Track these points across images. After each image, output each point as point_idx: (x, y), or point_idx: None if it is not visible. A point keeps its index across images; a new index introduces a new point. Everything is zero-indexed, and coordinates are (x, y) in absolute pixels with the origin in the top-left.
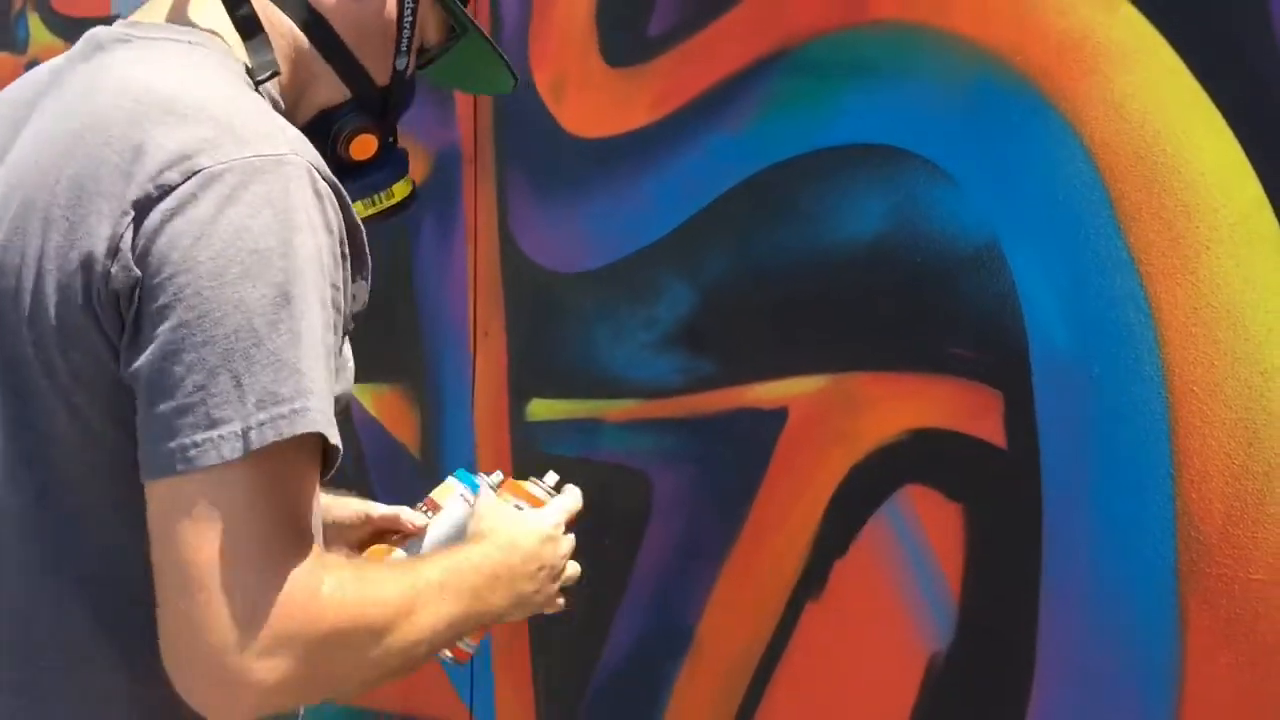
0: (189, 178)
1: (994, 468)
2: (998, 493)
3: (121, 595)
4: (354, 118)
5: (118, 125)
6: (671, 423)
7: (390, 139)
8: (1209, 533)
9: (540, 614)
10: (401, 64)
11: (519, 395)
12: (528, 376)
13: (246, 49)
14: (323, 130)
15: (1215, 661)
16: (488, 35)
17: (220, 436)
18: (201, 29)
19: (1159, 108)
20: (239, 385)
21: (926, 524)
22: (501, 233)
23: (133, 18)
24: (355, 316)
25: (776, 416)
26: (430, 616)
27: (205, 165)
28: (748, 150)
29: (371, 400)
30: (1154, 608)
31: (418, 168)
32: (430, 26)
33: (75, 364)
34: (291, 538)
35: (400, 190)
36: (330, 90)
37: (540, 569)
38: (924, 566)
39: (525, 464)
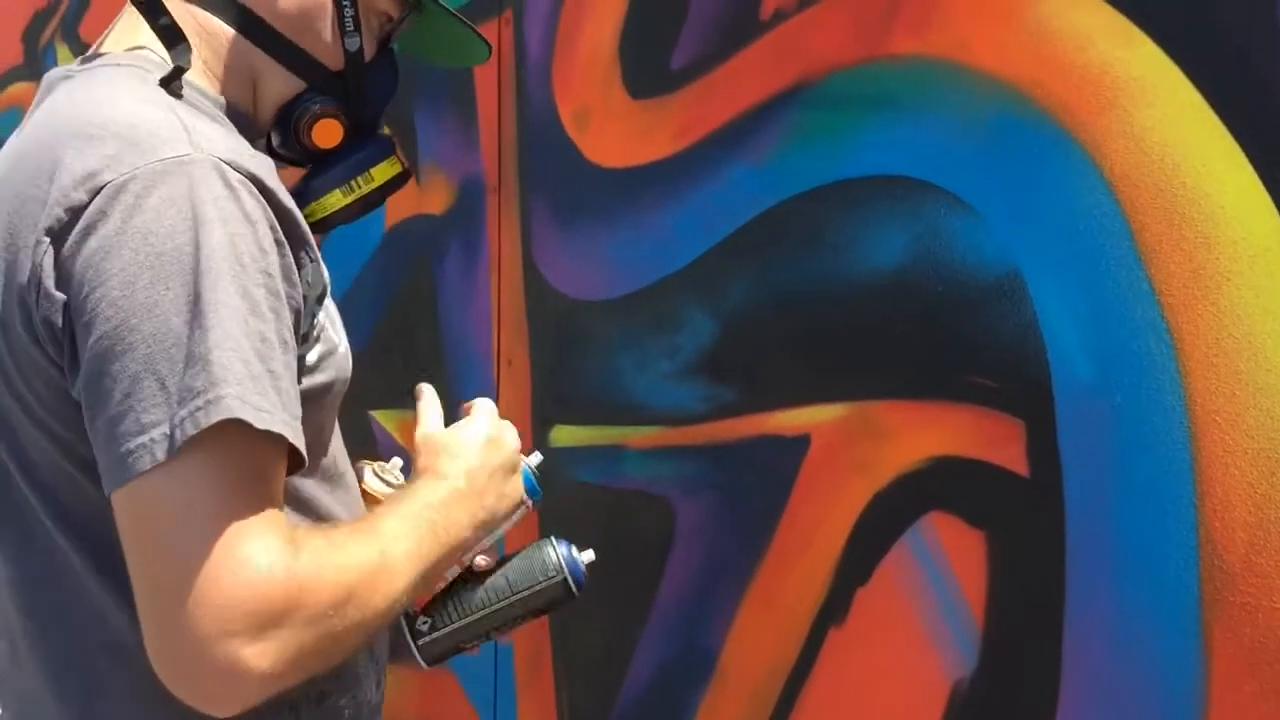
0: (94, 195)
1: (1016, 496)
2: (1020, 521)
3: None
4: (309, 105)
5: (36, 157)
6: (694, 450)
7: (364, 124)
8: (1232, 561)
9: (509, 522)
10: (353, 44)
11: (542, 422)
12: (551, 404)
13: (171, 56)
14: (284, 125)
15: (1240, 690)
16: (445, 5)
17: (151, 440)
18: (134, 49)
19: (1179, 141)
20: (164, 387)
21: (949, 552)
22: (525, 262)
23: (82, 56)
24: (320, 299)
25: (799, 444)
26: (404, 566)
27: (109, 179)
28: (770, 181)
29: (396, 426)
30: (1178, 637)
31: (440, 197)
32: (382, 2)
33: (43, 396)
34: (250, 522)
35: (381, 173)
36: (281, 83)
37: (491, 475)
38: (947, 594)
39: (549, 491)
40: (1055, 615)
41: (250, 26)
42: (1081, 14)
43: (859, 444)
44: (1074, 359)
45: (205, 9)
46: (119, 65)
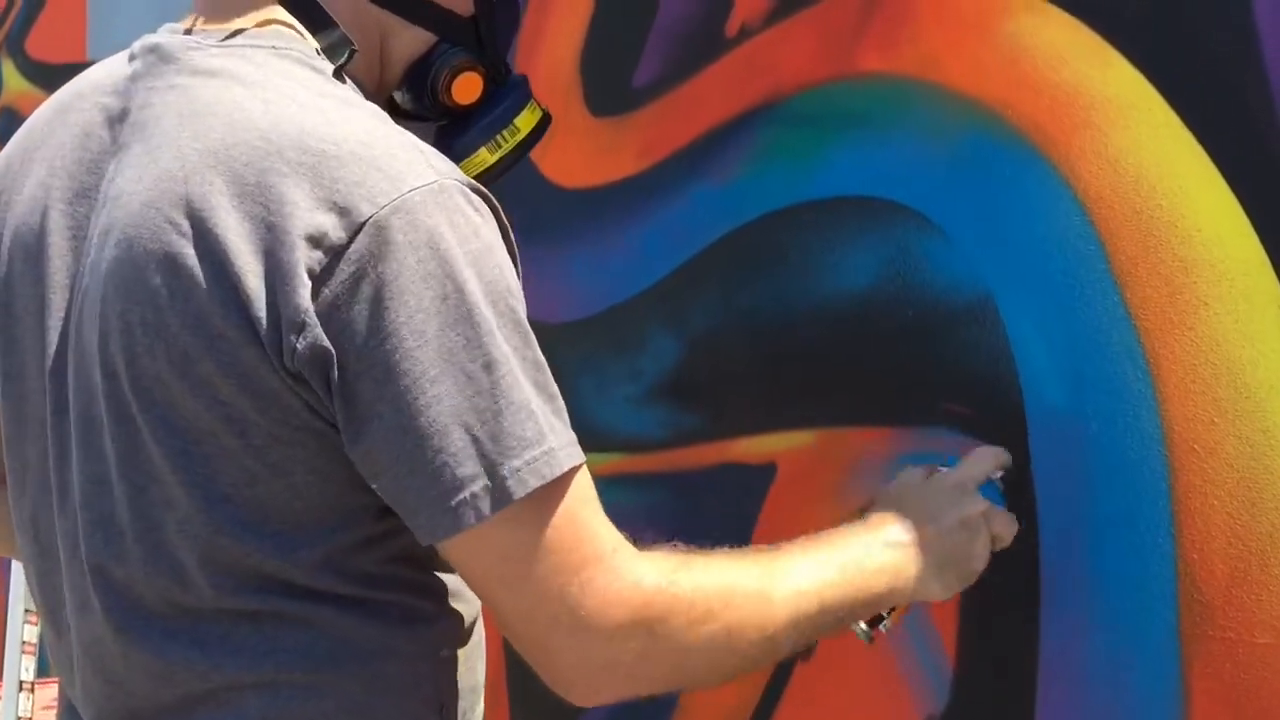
0: (355, 232)
1: None
2: (993, 552)
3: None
4: (447, 60)
5: (250, 170)
6: (656, 477)
7: (498, 70)
8: (1212, 595)
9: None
10: None
11: None
12: None
13: (306, 26)
14: (418, 84)
15: None
16: None
17: (473, 494)
18: (268, 25)
19: (1154, 163)
20: (475, 439)
21: None
22: None
23: (185, 22)
24: None
25: (765, 471)
26: (789, 603)
27: (367, 214)
28: (735, 201)
29: None
30: (1156, 672)
31: None
32: None
33: (274, 421)
34: (587, 540)
35: (525, 122)
36: (411, 39)
37: (958, 528)
38: (918, 627)
39: None
40: (1029, 649)
41: None
42: (1055, 33)
43: (827, 472)
44: (1048, 385)
45: None
46: (277, 50)
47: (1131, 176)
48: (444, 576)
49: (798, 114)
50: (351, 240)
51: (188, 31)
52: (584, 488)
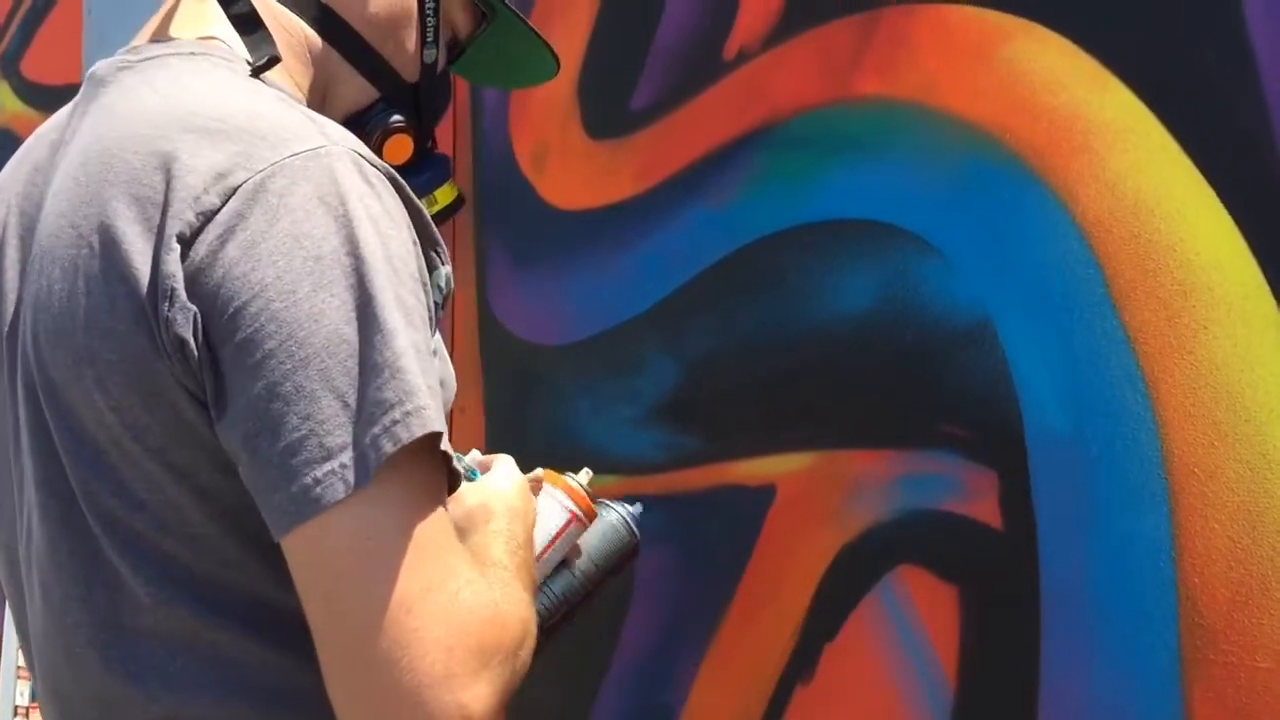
0: (229, 197)
1: (990, 549)
2: (994, 575)
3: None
4: (383, 118)
5: (133, 153)
6: (655, 500)
7: (428, 141)
8: (1213, 619)
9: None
10: (430, 57)
11: None
12: (506, 452)
13: (246, 45)
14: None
15: None
16: (519, 15)
17: (341, 465)
18: (200, 38)
19: (1152, 187)
20: (345, 404)
21: (921, 607)
22: (480, 304)
23: (131, 44)
24: (440, 305)
25: (764, 494)
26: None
27: (243, 179)
28: (733, 224)
29: None
30: (1157, 696)
31: None
32: (456, 13)
33: (165, 420)
34: (451, 551)
35: (444, 195)
36: (355, 91)
37: (523, 494)
38: (918, 650)
39: None
40: (1030, 673)
41: (332, 28)
42: (1053, 57)
43: (826, 494)
44: (1047, 408)
45: (284, 4)
46: (195, 55)
47: (1130, 200)
48: None
49: (796, 137)
50: (224, 204)
51: (133, 49)
52: (441, 473)
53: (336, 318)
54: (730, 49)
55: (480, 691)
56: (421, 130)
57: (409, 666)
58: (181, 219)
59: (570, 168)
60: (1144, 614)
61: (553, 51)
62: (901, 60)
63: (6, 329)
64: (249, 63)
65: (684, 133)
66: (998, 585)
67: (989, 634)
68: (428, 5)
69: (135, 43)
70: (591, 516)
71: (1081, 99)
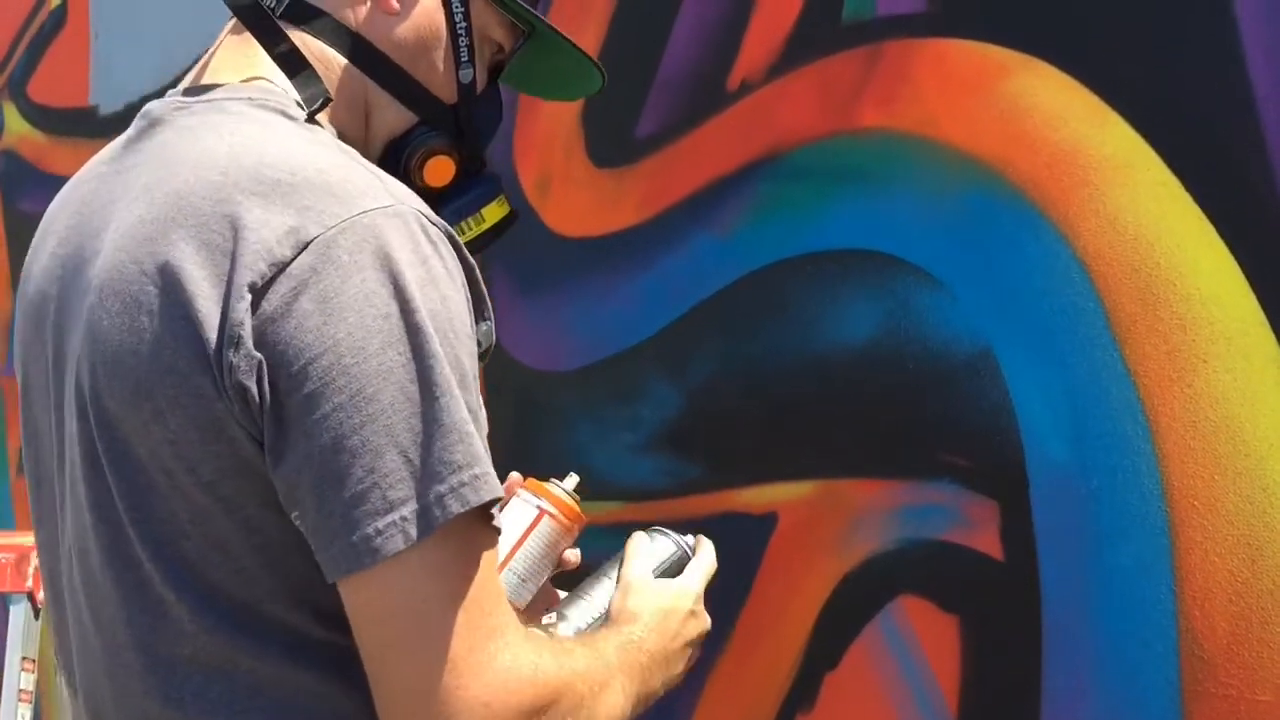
0: (301, 250)
1: (991, 580)
2: (995, 606)
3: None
4: (422, 141)
5: (207, 203)
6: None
7: (473, 161)
8: (1213, 651)
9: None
10: (466, 76)
11: None
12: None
13: (294, 85)
14: (393, 160)
15: None
16: (559, 31)
17: (402, 518)
18: (247, 80)
19: (1152, 221)
20: (408, 460)
21: (922, 637)
22: None
23: (182, 85)
24: (481, 358)
25: (766, 522)
26: (618, 695)
27: (315, 234)
28: (735, 253)
29: None
30: None
31: None
32: (495, 30)
33: (221, 454)
34: (502, 613)
35: (492, 213)
36: (394, 117)
37: (687, 646)
38: (919, 680)
39: None
40: (1031, 704)
41: (364, 56)
42: (1053, 92)
43: (828, 523)
44: (1048, 440)
45: (318, 37)
46: (252, 100)
47: (1130, 234)
48: None
49: (799, 167)
50: (296, 256)
51: (189, 90)
52: (494, 538)
53: (402, 376)
54: (734, 80)
55: None
56: (464, 151)
57: (440, 714)
58: (253, 269)
59: (574, 195)
60: (1144, 646)
61: (597, 64)
62: (903, 94)
63: (52, 355)
64: (299, 104)
65: (688, 162)
66: (999, 616)
67: (990, 664)
68: (459, 25)
69: (188, 84)
70: (575, 519)
71: (1082, 134)
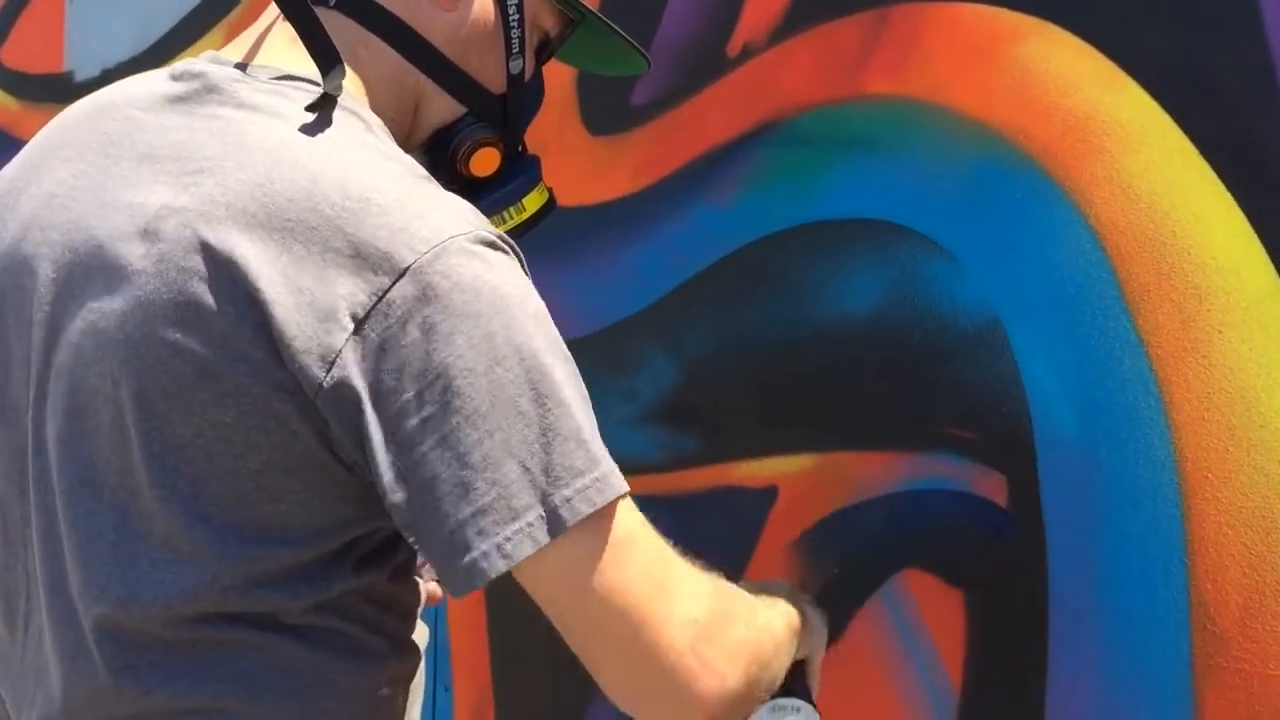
0: (398, 278)
1: (997, 554)
2: (1000, 580)
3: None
4: (471, 132)
5: (294, 205)
6: (654, 500)
7: (517, 148)
8: (1226, 625)
9: None
10: (516, 67)
11: None
12: None
13: (324, 82)
14: (439, 149)
15: None
16: (605, 19)
17: (529, 524)
18: (284, 76)
19: (1167, 188)
20: (526, 470)
21: (925, 612)
22: None
23: (226, 54)
24: None
25: (765, 495)
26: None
27: (409, 261)
28: (735, 222)
29: None
30: (1169, 704)
31: None
32: (545, 19)
33: (276, 444)
34: (674, 569)
35: (532, 202)
36: (443, 108)
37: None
38: (922, 656)
39: None
40: (1037, 679)
41: (415, 49)
42: (1066, 58)
43: (829, 496)
44: (1057, 411)
45: (368, 29)
46: (325, 96)
47: (1144, 203)
48: (396, 618)
49: (801, 134)
50: (394, 284)
51: (238, 66)
52: (637, 517)
53: (513, 391)
54: (735, 45)
55: (725, 677)
56: (509, 139)
57: (663, 670)
58: (348, 297)
59: (569, 164)
60: (1155, 620)
61: (642, 51)
62: (912, 59)
63: (46, 281)
64: (326, 94)
65: (686, 129)
66: (1004, 591)
67: (995, 639)
68: (511, 18)
69: (232, 57)
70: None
71: (1096, 100)
